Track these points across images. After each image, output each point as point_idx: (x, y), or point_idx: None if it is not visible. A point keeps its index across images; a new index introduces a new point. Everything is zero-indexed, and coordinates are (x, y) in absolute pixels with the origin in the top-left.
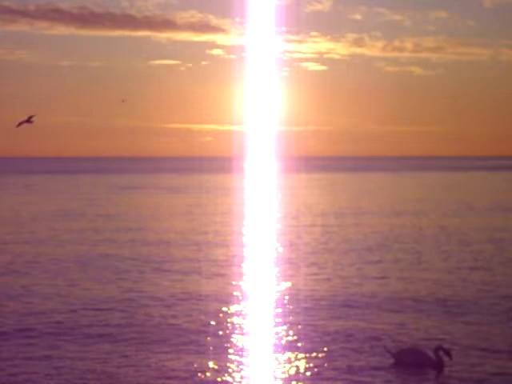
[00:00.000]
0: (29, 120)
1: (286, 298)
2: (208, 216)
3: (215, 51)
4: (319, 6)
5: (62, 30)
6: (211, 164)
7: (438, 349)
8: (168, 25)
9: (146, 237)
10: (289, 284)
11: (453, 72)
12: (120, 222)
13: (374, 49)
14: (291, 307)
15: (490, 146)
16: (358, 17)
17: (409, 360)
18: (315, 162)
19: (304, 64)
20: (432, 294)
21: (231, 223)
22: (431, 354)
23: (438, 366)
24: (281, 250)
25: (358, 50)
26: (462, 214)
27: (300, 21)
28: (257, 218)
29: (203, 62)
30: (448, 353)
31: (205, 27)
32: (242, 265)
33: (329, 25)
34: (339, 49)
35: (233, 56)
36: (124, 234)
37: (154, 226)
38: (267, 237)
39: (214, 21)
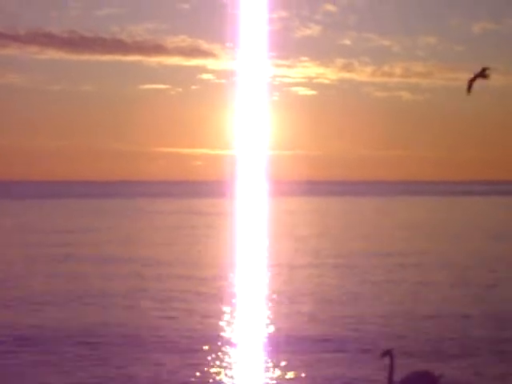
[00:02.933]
0: (482, 74)
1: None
2: (190, 245)
3: (205, 76)
4: (308, 32)
5: (52, 54)
6: (201, 188)
7: (386, 353)
8: (158, 49)
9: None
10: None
11: (442, 97)
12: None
13: (363, 74)
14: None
15: (480, 171)
16: (347, 42)
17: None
18: (305, 186)
19: (294, 88)
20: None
21: (217, 252)
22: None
23: None
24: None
25: (348, 75)
26: (454, 240)
27: (289, 46)
28: (245, 246)
29: (193, 87)
30: (391, 356)
31: (195, 52)
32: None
33: (318, 50)
34: (329, 74)
35: (223, 80)
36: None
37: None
38: (255, 263)
39: (204, 45)
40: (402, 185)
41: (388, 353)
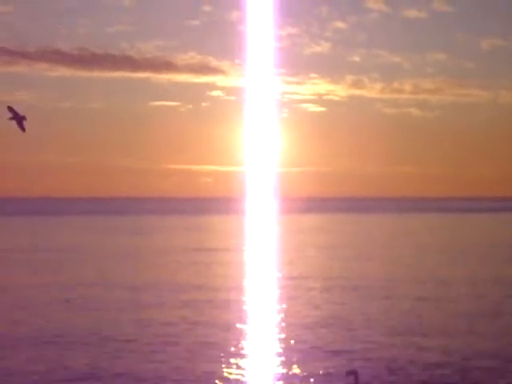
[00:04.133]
0: (20, 119)
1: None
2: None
3: (215, 92)
4: (318, 48)
5: (61, 71)
6: (211, 205)
7: (350, 373)
8: (168, 66)
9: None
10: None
11: (451, 113)
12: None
13: (372, 90)
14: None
15: (490, 188)
16: (356, 59)
17: None
18: (314, 202)
19: (303, 105)
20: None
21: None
22: None
23: None
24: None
25: (357, 92)
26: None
27: (299, 63)
28: (256, 261)
29: (203, 104)
30: (356, 376)
31: (204, 69)
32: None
33: (328, 67)
34: (338, 90)
35: (232, 97)
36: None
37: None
38: (265, 278)
39: (213, 62)
40: (411, 201)
41: (353, 372)
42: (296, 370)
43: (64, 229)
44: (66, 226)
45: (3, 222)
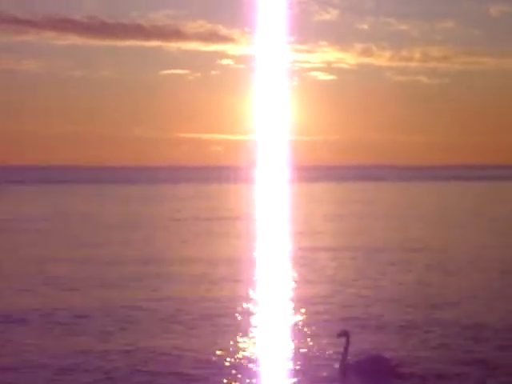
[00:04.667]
0: None
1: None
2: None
3: (225, 61)
4: (327, 16)
5: (71, 39)
6: (221, 173)
7: (342, 334)
8: (178, 35)
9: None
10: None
11: (459, 81)
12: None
13: (381, 58)
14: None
15: (496, 155)
16: (365, 27)
17: (367, 368)
18: (324, 171)
19: (313, 73)
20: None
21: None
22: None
23: (396, 373)
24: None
25: (366, 60)
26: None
27: (308, 30)
28: (268, 229)
29: (213, 72)
30: (347, 337)
31: (214, 37)
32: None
33: (337, 34)
34: (348, 58)
35: (242, 66)
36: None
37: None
38: (278, 245)
39: (223, 31)
40: (420, 170)
41: (344, 334)
42: (309, 343)
43: (74, 197)
44: (77, 195)
45: (16, 191)
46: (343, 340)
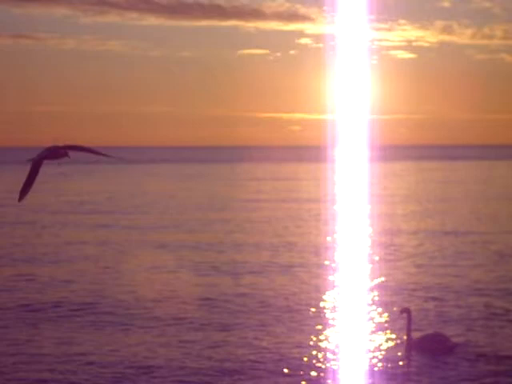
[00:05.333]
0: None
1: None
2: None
3: (303, 40)
4: None
5: (151, 20)
6: (300, 153)
7: (403, 311)
8: (256, 14)
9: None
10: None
11: None
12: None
13: (463, 36)
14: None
15: None
16: (446, 4)
17: (431, 347)
18: (405, 150)
19: (393, 52)
20: None
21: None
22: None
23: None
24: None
25: (447, 38)
26: None
27: (388, 8)
28: (349, 208)
29: (291, 51)
30: (409, 314)
31: (293, 16)
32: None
33: (417, 12)
34: (428, 36)
35: (321, 45)
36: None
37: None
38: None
39: (301, 10)
40: (504, 149)
41: (405, 311)
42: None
43: (155, 177)
44: (157, 175)
45: (98, 169)
46: (405, 317)
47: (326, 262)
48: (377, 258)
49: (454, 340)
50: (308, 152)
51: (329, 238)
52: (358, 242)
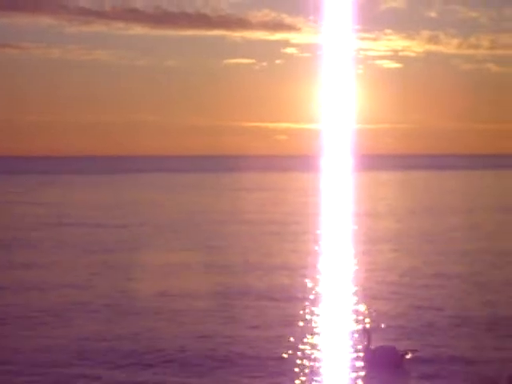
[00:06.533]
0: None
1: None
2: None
3: (289, 50)
4: (393, 4)
5: (137, 29)
6: (286, 162)
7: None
8: (242, 24)
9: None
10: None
11: None
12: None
13: (449, 46)
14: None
15: None
16: (432, 14)
17: (381, 360)
18: (390, 160)
19: (379, 62)
20: None
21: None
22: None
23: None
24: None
25: (434, 48)
26: None
27: (374, 18)
28: (335, 217)
29: (277, 61)
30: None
31: (278, 26)
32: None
33: (403, 22)
34: (414, 46)
35: (307, 54)
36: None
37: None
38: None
39: (287, 19)
40: (489, 158)
41: (365, 331)
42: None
43: (135, 186)
44: (138, 184)
45: (80, 180)
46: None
47: (306, 281)
48: (355, 269)
49: (405, 352)
50: (294, 161)
51: (310, 258)
52: (338, 258)
